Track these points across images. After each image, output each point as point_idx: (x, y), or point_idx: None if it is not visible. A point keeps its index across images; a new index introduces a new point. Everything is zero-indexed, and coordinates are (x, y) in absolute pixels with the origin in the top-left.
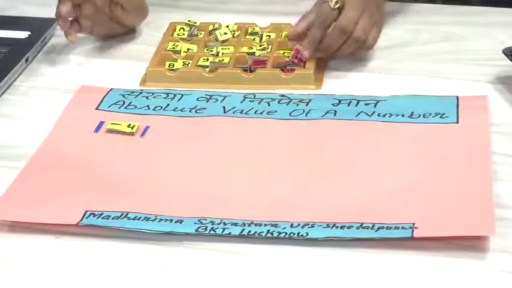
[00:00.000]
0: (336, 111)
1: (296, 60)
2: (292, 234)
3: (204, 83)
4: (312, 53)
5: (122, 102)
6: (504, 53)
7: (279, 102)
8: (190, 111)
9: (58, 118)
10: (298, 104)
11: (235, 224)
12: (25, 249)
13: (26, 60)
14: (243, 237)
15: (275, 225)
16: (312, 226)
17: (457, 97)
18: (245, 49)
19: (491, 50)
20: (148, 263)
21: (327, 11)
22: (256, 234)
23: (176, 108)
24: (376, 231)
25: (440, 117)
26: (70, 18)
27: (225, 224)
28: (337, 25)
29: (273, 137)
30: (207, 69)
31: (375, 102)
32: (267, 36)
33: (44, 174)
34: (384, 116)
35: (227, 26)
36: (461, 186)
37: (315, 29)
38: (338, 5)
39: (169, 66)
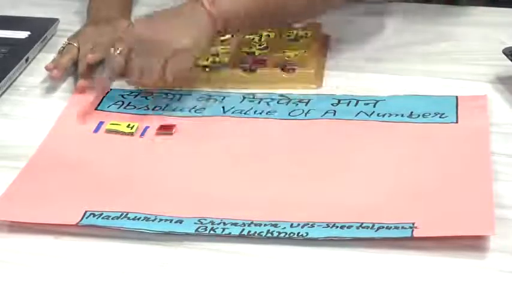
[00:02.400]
0: (335, 111)
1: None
2: (292, 234)
3: (204, 83)
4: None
5: (121, 102)
6: (504, 53)
7: (278, 102)
8: (189, 111)
9: (58, 118)
10: (297, 104)
11: (235, 224)
12: (25, 249)
13: (26, 60)
14: (243, 237)
15: (275, 225)
16: (312, 226)
17: (457, 97)
18: (245, 49)
19: (491, 50)
20: (148, 263)
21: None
22: (256, 234)
23: (176, 108)
24: (376, 231)
25: (440, 117)
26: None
27: (225, 224)
28: None
29: (273, 137)
30: (207, 69)
31: (375, 102)
32: (266, 35)
33: (44, 174)
34: (384, 116)
35: None
36: (461, 186)
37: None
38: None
39: None
